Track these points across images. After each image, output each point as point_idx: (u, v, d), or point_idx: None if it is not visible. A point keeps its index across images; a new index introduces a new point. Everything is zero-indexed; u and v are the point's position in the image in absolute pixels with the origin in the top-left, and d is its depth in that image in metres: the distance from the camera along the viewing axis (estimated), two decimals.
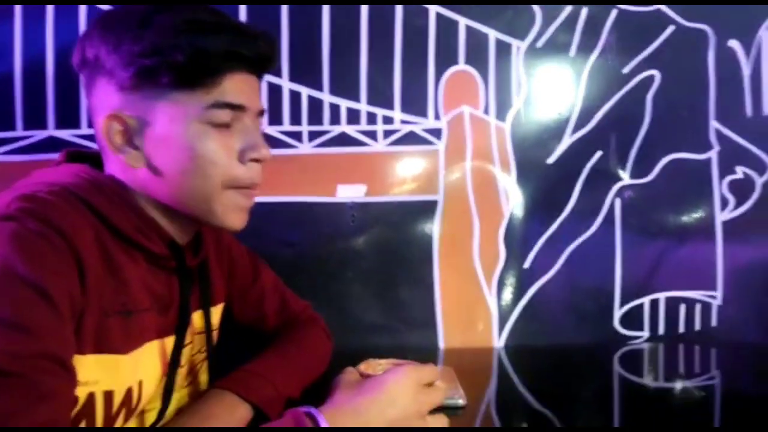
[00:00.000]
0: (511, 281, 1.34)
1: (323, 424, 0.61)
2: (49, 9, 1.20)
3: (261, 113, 0.76)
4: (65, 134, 1.20)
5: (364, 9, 1.26)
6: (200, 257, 0.81)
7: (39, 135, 1.20)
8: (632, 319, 1.38)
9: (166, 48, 0.66)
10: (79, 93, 1.19)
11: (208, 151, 0.69)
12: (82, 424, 0.64)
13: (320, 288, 1.27)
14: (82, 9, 1.21)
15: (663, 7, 1.34)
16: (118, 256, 0.67)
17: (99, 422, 0.65)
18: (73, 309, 0.60)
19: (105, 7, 1.20)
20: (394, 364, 0.75)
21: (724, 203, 1.39)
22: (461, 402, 0.93)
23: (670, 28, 1.35)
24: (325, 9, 1.26)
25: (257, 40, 0.72)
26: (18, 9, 1.19)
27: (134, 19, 0.68)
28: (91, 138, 1.19)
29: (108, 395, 0.66)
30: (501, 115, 1.32)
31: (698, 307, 1.39)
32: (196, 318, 0.81)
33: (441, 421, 0.69)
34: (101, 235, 0.66)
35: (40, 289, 0.57)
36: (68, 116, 1.20)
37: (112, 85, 0.69)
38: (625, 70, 1.35)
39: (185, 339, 0.77)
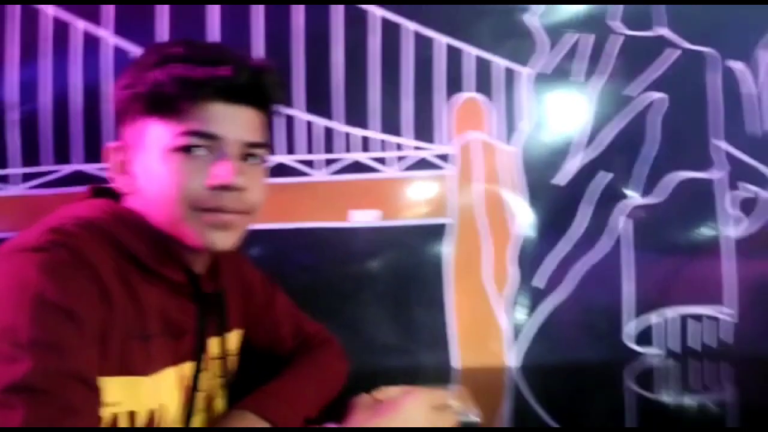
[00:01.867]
0: (522, 301, 1.37)
1: None
2: (76, 45, 1.26)
3: (253, 146, 0.77)
4: (91, 168, 1.26)
5: (375, 41, 1.31)
6: (217, 284, 0.85)
7: (65, 169, 1.26)
8: (645, 336, 1.39)
9: (136, 81, 0.73)
10: (102, 128, 1.25)
11: (173, 175, 0.72)
12: None
13: (335, 310, 1.30)
14: (109, 45, 1.27)
15: (666, 32, 1.37)
16: (138, 283, 0.72)
17: None
18: (98, 332, 0.65)
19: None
20: (405, 392, 0.77)
21: (735, 221, 1.40)
22: (475, 419, 0.96)
23: (675, 52, 1.38)
24: (338, 42, 1.31)
25: (224, 64, 0.73)
26: (48, 45, 1.26)
27: (132, 65, 0.77)
28: None
29: (131, 417, 0.70)
30: (509, 139, 1.35)
31: (710, 324, 1.40)
32: (213, 344, 0.85)
33: None
34: (122, 265, 0.71)
35: (69, 313, 0.61)
36: (93, 151, 1.26)
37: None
38: (632, 93, 1.38)
39: (202, 364, 0.80)
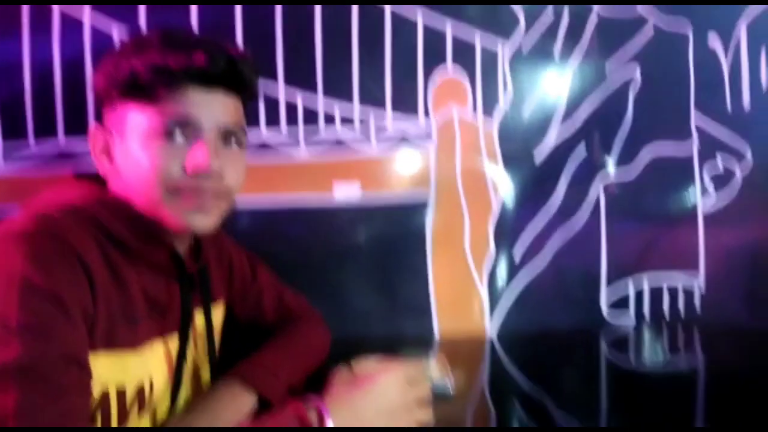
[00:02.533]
0: (501, 271, 1.41)
1: (324, 411, 0.68)
2: (55, 20, 1.26)
3: (230, 129, 0.78)
4: (75, 146, 1.27)
5: (355, 17, 1.32)
6: (200, 263, 0.88)
7: (50, 147, 1.27)
8: (619, 305, 1.45)
9: (114, 68, 0.75)
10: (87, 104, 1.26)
11: (151, 160, 0.74)
12: (98, 419, 0.71)
13: (320, 283, 1.34)
14: (86, 19, 1.27)
15: (643, 9, 1.39)
16: (122, 266, 0.75)
17: (114, 418, 0.73)
18: (84, 315, 0.67)
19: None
20: (381, 366, 0.81)
21: (706, 193, 1.44)
22: (450, 390, 1.00)
23: (651, 29, 1.40)
24: (318, 19, 1.31)
25: (203, 56, 0.74)
26: (25, 23, 1.26)
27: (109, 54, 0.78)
28: None
29: (120, 393, 0.73)
30: (488, 114, 1.38)
31: (682, 292, 1.45)
32: (198, 319, 0.88)
33: (426, 414, 0.76)
34: (106, 248, 0.73)
35: (55, 297, 0.64)
36: (78, 128, 1.26)
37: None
38: (608, 69, 1.40)
39: (188, 338, 0.84)
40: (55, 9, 1.26)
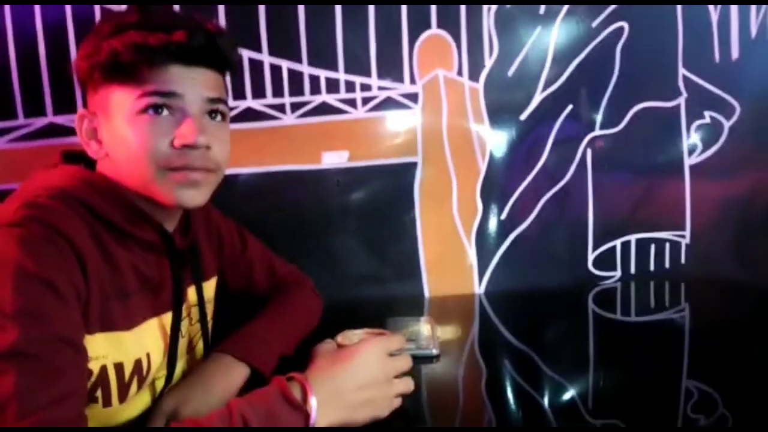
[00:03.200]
0: (489, 232, 1.44)
1: (307, 386, 0.71)
2: None
3: (213, 101, 0.80)
4: (63, 120, 1.28)
5: None
6: (189, 239, 0.90)
7: (39, 122, 1.28)
8: (605, 261, 1.48)
9: (94, 50, 0.76)
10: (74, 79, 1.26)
11: (140, 137, 0.76)
12: (99, 392, 0.75)
13: (311, 248, 1.37)
14: None
15: None
16: (113, 246, 0.77)
17: (114, 390, 0.77)
18: (78, 297, 0.70)
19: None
20: (367, 334, 0.85)
21: (692, 148, 1.45)
22: (435, 352, 1.05)
23: None
24: None
25: (182, 33, 0.76)
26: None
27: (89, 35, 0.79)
28: None
29: (119, 367, 0.77)
30: (474, 75, 1.37)
31: (668, 247, 1.48)
32: (191, 293, 0.92)
33: (406, 383, 0.79)
34: (96, 230, 0.76)
35: (49, 283, 0.67)
36: (65, 103, 1.28)
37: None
38: (594, 23, 1.39)
39: (182, 313, 0.87)
40: None
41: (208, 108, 0.80)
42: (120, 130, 0.77)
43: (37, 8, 1.25)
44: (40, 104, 1.27)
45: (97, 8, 1.26)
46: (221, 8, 1.27)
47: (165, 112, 0.77)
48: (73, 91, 1.27)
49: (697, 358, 1.06)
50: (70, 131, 1.26)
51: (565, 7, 1.37)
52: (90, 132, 0.81)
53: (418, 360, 1.00)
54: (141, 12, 0.79)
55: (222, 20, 1.28)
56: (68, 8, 1.26)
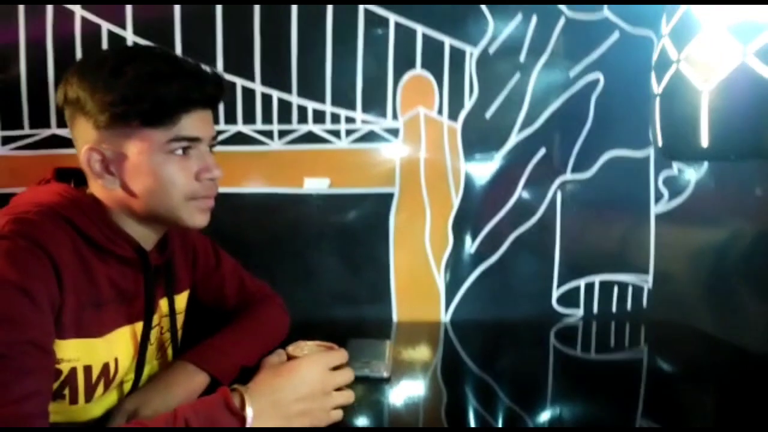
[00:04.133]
0: (458, 263, 1.51)
1: (245, 396, 0.77)
2: (49, 13, 1.36)
3: (214, 138, 0.95)
4: (66, 132, 1.37)
5: (329, 19, 1.40)
6: (165, 255, 0.99)
7: (43, 133, 1.38)
8: (569, 299, 1.55)
9: (133, 98, 0.84)
10: None
11: (169, 175, 0.88)
12: (66, 390, 0.83)
13: (288, 266, 1.45)
14: (77, 15, 1.36)
15: (609, 14, 1.45)
16: (92, 260, 0.86)
17: (81, 390, 0.85)
18: (52, 305, 0.79)
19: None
20: (318, 346, 0.90)
21: (659, 196, 1.52)
22: (386, 375, 1.11)
23: (616, 34, 1.46)
24: (293, 20, 1.39)
25: (207, 83, 0.90)
26: (21, 16, 1.35)
27: (106, 69, 0.85)
28: None
29: (87, 369, 0.85)
30: (453, 115, 1.46)
31: (631, 290, 1.55)
32: (163, 304, 1.00)
33: (345, 396, 0.86)
34: (78, 245, 0.84)
35: (25, 291, 0.75)
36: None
37: (90, 124, 0.86)
38: (572, 73, 1.47)
39: (152, 323, 0.96)
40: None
41: (212, 143, 0.94)
42: (147, 167, 0.87)
43: (48, 25, 1.35)
44: (45, 117, 1.37)
45: (104, 27, 1.36)
46: (219, 40, 1.38)
47: (189, 152, 0.89)
48: None
49: (653, 398, 1.11)
50: (70, 143, 1.35)
51: (545, 56, 1.45)
52: (103, 167, 0.87)
53: (371, 381, 1.07)
54: (171, 62, 0.88)
55: (219, 52, 1.38)
56: (78, 25, 1.36)
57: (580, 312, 1.55)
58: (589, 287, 1.54)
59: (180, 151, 0.88)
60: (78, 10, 1.36)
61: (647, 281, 1.55)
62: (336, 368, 0.85)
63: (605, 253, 1.54)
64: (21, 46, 1.36)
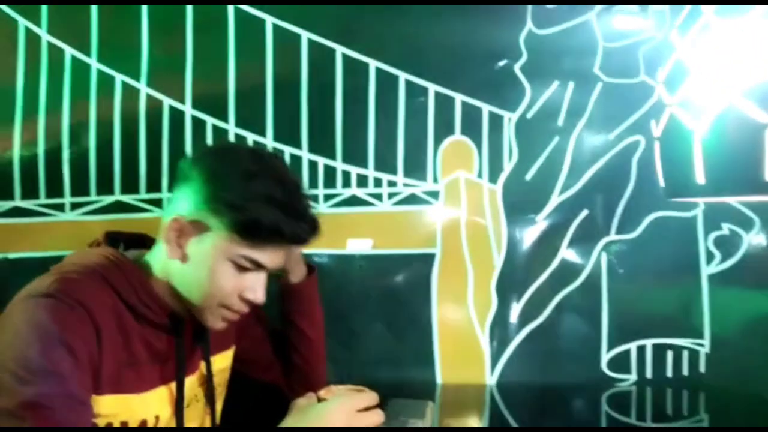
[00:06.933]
0: (503, 325, 1.49)
1: None
2: (117, 87, 1.49)
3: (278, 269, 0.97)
4: (128, 198, 1.48)
5: (372, 88, 1.48)
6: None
7: (107, 199, 1.49)
8: (620, 363, 1.49)
9: (236, 206, 0.88)
10: (140, 164, 1.48)
11: (221, 281, 0.91)
12: None
13: (331, 328, 1.45)
14: (143, 92, 1.49)
15: (646, 78, 1.47)
16: (129, 321, 0.91)
17: None
18: (91, 362, 0.83)
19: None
20: (349, 390, 0.90)
21: (710, 257, 1.48)
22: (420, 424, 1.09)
23: (654, 97, 1.47)
24: (338, 92, 1.48)
25: (306, 228, 0.92)
26: (93, 89, 1.50)
27: (235, 172, 0.90)
28: (147, 201, 1.48)
29: (124, 424, 0.89)
30: (494, 178, 1.49)
31: (686, 354, 1.49)
32: (201, 365, 1.04)
33: (375, 417, 0.85)
34: (117, 306, 0.89)
35: (69, 347, 0.80)
36: (131, 184, 1.49)
37: (192, 199, 0.91)
38: (611, 136, 1.48)
39: (185, 384, 0.98)
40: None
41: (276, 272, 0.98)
42: (210, 262, 0.90)
43: (117, 102, 1.49)
44: (110, 184, 1.48)
45: (166, 103, 1.48)
46: (269, 110, 1.47)
47: (250, 271, 0.91)
48: (137, 176, 1.48)
49: None
50: (132, 208, 1.46)
51: (583, 120, 1.48)
52: (179, 238, 0.91)
53: None
54: (287, 194, 0.90)
55: (269, 122, 1.47)
56: (143, 101, 1.49)
57: (633, 377, 1.49)
58: (641, 351, 1.49)
59: (243, 268, 0.90)
60: (143, 88, 1.49)
61: (704, 345, 1.48)
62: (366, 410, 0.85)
63: (656, 315, 1.49)
64: (92, 122, 1.50)
